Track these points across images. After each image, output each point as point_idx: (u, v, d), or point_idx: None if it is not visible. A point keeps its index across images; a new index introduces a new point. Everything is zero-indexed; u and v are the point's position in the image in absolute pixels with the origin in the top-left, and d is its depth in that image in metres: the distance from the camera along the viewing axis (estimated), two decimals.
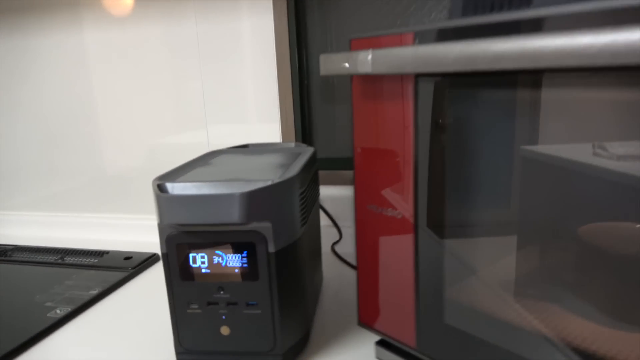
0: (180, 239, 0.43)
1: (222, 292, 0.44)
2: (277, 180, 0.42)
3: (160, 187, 0.42)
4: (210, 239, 0.43)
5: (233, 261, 0.43)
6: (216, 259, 0.43)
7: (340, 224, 0.78)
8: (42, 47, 0.87)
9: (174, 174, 0.47)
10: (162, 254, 0.44)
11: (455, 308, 0.37)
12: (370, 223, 0.42)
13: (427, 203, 0.37)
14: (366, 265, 0.44)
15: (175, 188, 0.42)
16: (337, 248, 0.76)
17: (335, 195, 0.78)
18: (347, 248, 0.76)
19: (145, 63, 0.83)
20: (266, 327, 0.44)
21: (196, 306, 0.45)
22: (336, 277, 0.66)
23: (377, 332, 0.45)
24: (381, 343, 0.46)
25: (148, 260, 0.75)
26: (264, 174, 0.45)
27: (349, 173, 0.77)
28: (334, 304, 0.59)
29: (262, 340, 0.45)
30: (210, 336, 0.45)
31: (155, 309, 0.61)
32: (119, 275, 0.70)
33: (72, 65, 0.87)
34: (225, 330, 0.45)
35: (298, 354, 0.48)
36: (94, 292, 0.65)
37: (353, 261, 0.71)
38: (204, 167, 0.51)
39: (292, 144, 0.65)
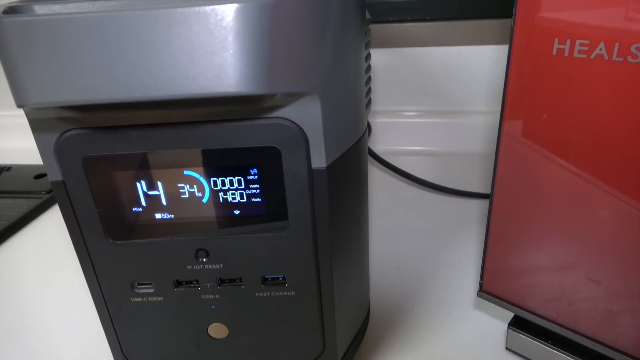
0: (93, 147, 0.17)
1: (204, 259, 0.20)
2: None
3: (14, 11, 0.15)
4: (169, 142, 0.17)
5: (229, 192, 0.19)
6: (187, 190, 0.19)
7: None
8: None
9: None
10: (54, 183, 0.18)
11: None
12: (550, 83, 0.18)
13: None
14: (526, 182, 0.20)
15: (54, 8, 0.16)
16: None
17: None
18: (378, 145, 0.51)
19: None
20: (306, 320, 0.21)
21: (151, 288, 0.21)
22: (381, 202, 0.42)
23: (535, 315, 0.23)
24: (517, 324, 0.25)
25: None
26: None
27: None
28: (380, 255, 0.36)
29: (295, 345, 0.22)
30: (185, 343, 0.22)
31: None
32: (27, 204, 0.45)
33: None
34: (218, 331, 0.22)
35: (353, 353, 0.26)
36: None
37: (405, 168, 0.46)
38: None
39: None
